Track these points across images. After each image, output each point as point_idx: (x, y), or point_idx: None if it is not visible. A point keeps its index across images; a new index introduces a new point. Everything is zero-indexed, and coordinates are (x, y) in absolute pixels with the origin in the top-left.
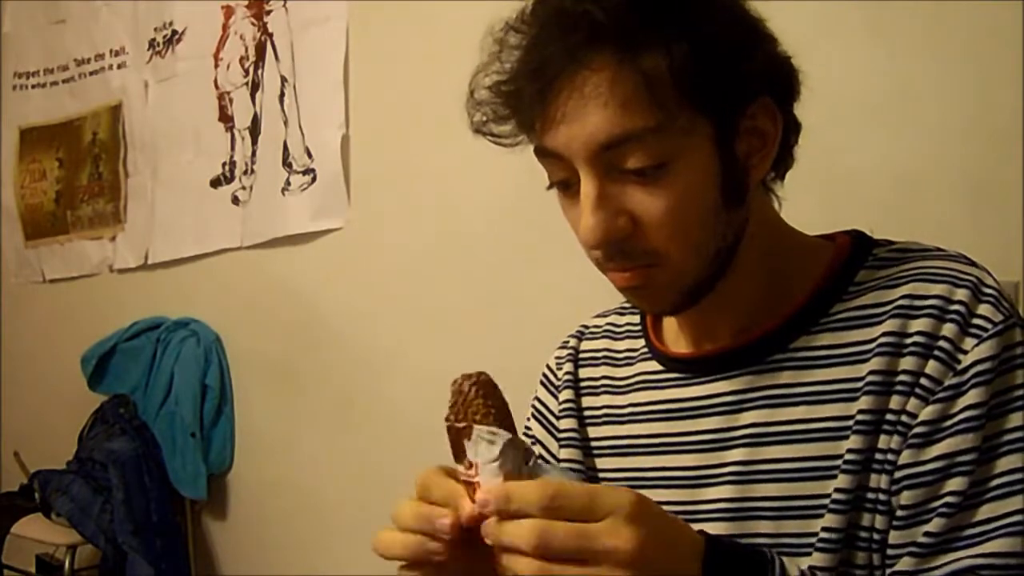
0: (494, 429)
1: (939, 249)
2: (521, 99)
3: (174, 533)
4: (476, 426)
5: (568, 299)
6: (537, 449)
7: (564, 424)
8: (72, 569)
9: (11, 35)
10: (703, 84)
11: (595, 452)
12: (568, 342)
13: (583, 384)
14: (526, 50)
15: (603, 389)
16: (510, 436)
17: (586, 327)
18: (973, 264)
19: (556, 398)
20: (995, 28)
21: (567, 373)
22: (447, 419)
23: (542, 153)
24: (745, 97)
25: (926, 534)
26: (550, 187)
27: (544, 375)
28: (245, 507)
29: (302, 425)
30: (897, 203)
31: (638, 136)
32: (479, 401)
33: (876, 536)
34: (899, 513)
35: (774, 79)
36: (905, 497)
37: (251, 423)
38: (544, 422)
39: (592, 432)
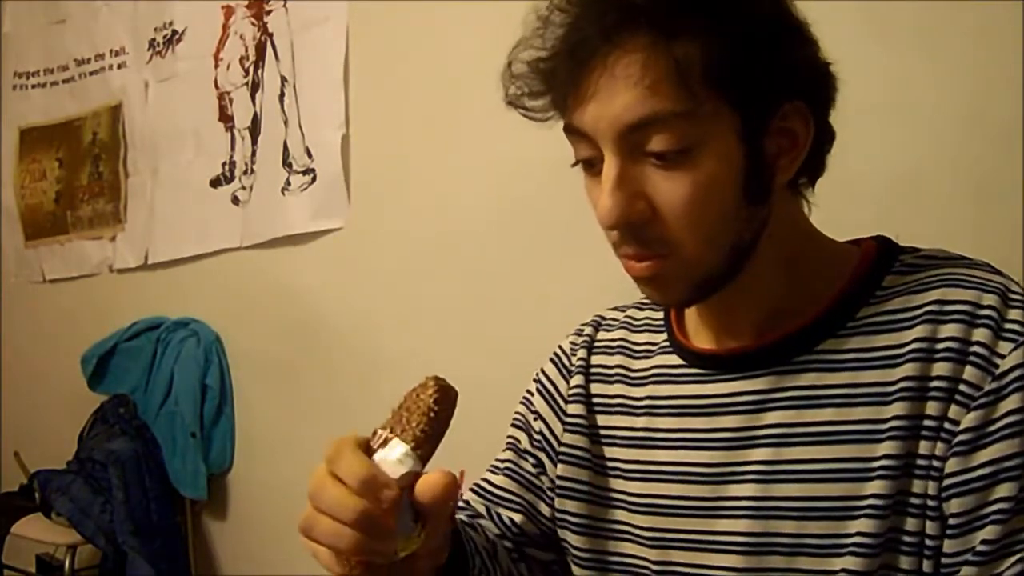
0: (403, 446)
1: (964, 257)
2: (556, 76)
3: (174, 533)
4: (393, 439)
5: (569, 298)
6: (538, 425)
7: (573, 409)
8: (72, 569)
9: (11, 35)
10: (734, 78)
11: (605, 441)
12: (583, 330)
13: (594, 371)
14: (566, 29)
15: (617, 378)
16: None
17: (603, 317)
18: (998, 272)
19: (567, 381)
20: (995, 28)
21: (580, 359)
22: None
23: (570, 131)
24: (778, 97)
25: (983, 542)
26: (575, 164)
27: (556, 355)
28: (245, 507)
29: (302, 425)
30: (897, 203)
31: (664, 119)
32: (425, 418)
33: (929, 542)
34: (951, 521)
35: (810, 83)
36: (955, 505)
37: (251, 423)
38: (550, 401)
39: (603, 420)
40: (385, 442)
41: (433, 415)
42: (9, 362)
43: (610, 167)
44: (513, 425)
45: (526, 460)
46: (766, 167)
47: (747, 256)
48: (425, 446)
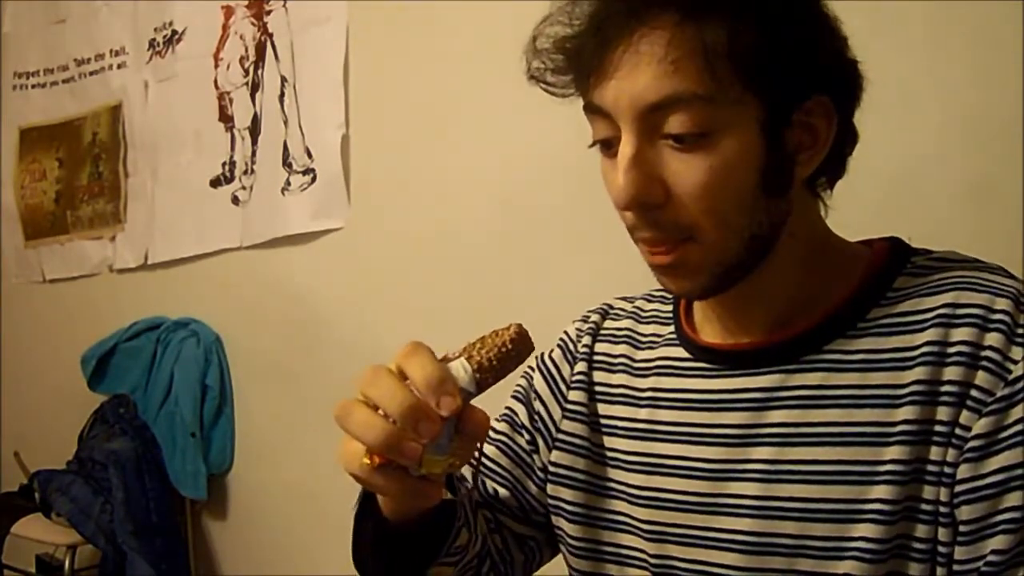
0: (467, 366)
1: (977, 260)
2: (581, 55)
3: (174, 533)
4: (458, 360)
5: (569, 299)
6: (537, 406)
7: (574, 396)
8: (72, 569)
9: (11, 35)
10: (760, 66)
11: (605, 430)
12: (590, 317)
13: (597, 359)
14: (594, 7)
15: (620, 367)
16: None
17: (611, 306)
18: (1012, 276)
19: (571, 367)
20: (995, 28)
21: (585, 346)
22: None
23: (590, 109)
24: (803, 90)
25: (994, 552)
26: (592, 145)
27: (563, 340)
28: (245, 507)
29: (302, 425)
30: (897, 203)
31: (685, 100)
32: (497, 350)
33: (941, 549)
34: (962, 528)
35: (837, 79)
36: (965, 512)
37: (251, 423)
38: (552, 385)
39: (604, 409)
40: (448, 360)
41: (504, 350)
42: (9, 362)
43: (627, 145)
44: (513, 397)
45: (521, 435)
46: (786, 160)
47: (766, 249)
48: (487, 374)
